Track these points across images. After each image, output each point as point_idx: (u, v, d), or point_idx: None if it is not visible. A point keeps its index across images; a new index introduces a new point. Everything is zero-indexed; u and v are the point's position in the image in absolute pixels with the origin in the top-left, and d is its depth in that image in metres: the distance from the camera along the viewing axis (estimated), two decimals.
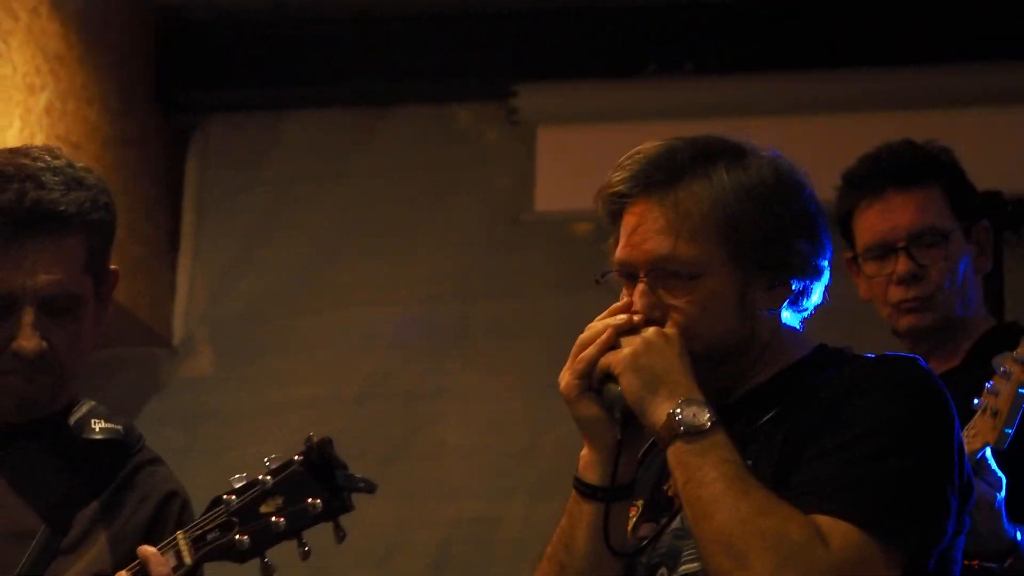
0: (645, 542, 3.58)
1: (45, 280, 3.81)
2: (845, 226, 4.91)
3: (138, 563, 3.60)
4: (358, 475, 3.59)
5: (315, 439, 3.59)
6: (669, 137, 7.07)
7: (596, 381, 3.53)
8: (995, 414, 4.24)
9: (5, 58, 6.85)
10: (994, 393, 4.31)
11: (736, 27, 7.82)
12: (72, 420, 4.00)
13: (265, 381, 7.92)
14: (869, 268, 4.82)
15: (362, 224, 8.09)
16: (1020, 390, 4.32)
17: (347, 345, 7.96)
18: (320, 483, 3.58)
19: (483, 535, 7.65)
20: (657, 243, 3.55)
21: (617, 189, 3.62)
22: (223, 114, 8.25)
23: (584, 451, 3.62)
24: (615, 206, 3.64)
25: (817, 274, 3.67)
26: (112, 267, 3.98)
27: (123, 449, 3.99)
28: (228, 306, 8.09)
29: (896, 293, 4.76)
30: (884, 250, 4.80)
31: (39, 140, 6.92)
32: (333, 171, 8.13)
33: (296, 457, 3.60)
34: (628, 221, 3.62)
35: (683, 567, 3.55)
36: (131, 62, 7.85)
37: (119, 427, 4.00)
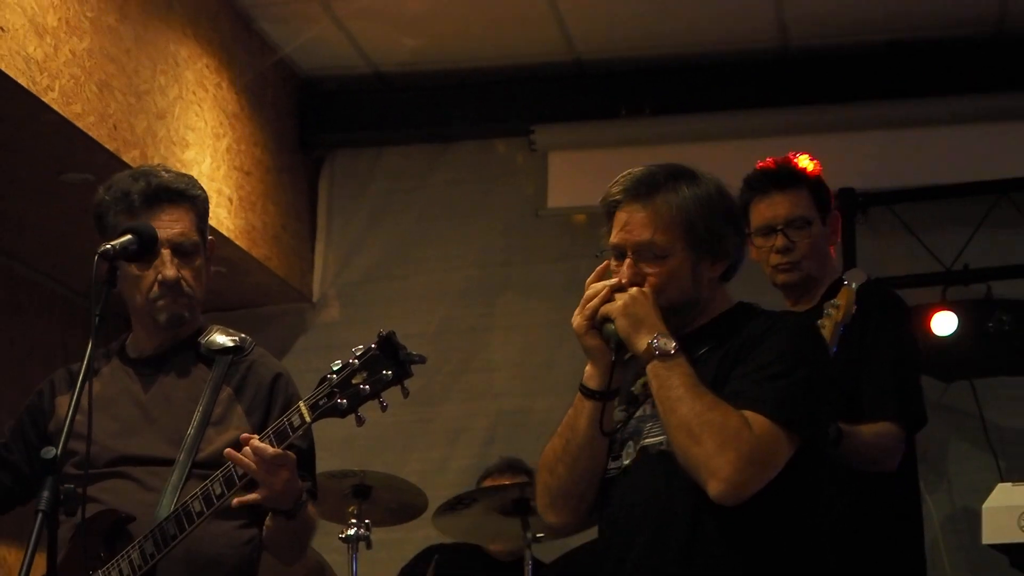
0: (619, 424, 3.65)
1: (174, 232, 3.94)
2: (744, 212, 4.92)
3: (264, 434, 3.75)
4: (414, 353, 3.70)
5: (384, 332, 3.71)
6: (635, 159, 7.24)
7: (597, 322, 3.59)
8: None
9: (200, 116, 6.92)
10: (822, 327, 4.49)
11: (678, 83, 7.82)
12: (205, 338, 4.07)
13: (373, 323, 7.47)
14: (758, 241, 4.89)
15: (435, 220, 8.14)
16: (838, 326, 4.57)
17: (427, 298, 8.04)
18: (390, 360, 3.66)
19: (519, 421, 7.69)
20: (641, 233, 3.60)
21: (615, 197, 3.67)
22: (343, 149, 8.30)
23: (587, 367, 3.67)
24: (612, 207, 3.67)
25: (740, 254, 3.77)
26: (209, 237, 4.10)
27: (242, 351, 4.07)
28: (349, 275, 8.17)
29: (774, 259, 4.86)
30: (768, 230, 4.89)
31: (223, 171, 7.08)
32: (415, 186, 8.20)
33: (373, 345, 3.68)
34: (620, 217, 3.64)
35: (645, 440, 3.61)
36: (282, 117, 7.91)
37: (238, 337, 4.10)
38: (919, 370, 5.13)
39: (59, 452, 3.30)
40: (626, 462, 3.67)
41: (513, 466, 6.53)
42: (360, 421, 3.71)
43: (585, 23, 7.49)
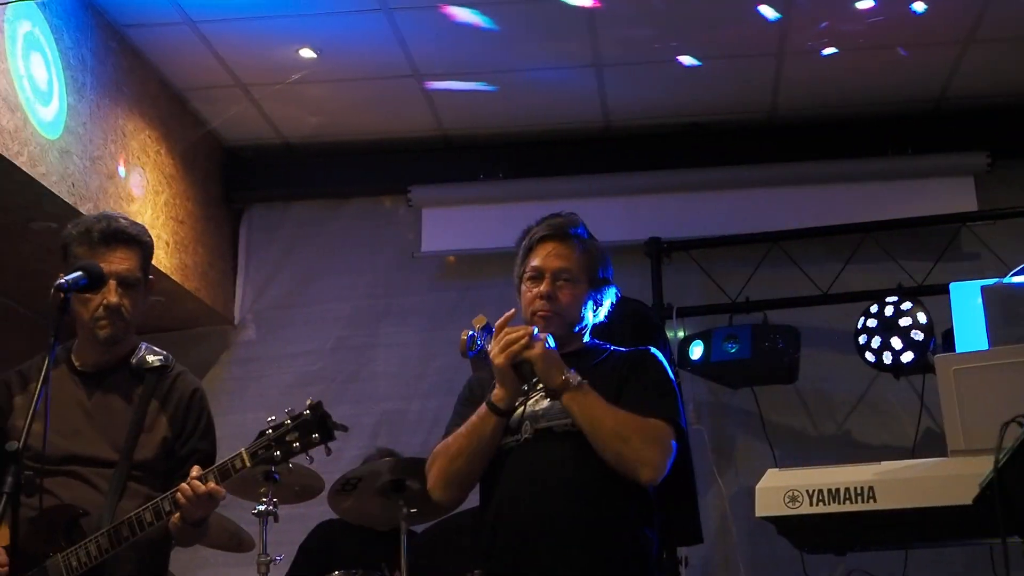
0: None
1: (123, 268, 3.92)
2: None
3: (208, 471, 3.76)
4: (338, 422, 3.74)
5: (314, 401, 3.73)
6: (491, 214, 7.29)
7: (516, 362, 3.70)
8: None
9: (143, 176, 6.85)
10: None
11: (525, 154, 7.84)
12: (136, 357, 4.04)
13: (283, 342, 7.94)
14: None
15: (331, 260, 8.07)
16: None
17: (324, 321, 7.97)
18: (317, 424, 3.70)
19: (397, 420, 7.66)
20: (563, 261, 3.80)
21: (542, 233, 3.83)
22: (258, 204, 8.20)
23: (498, 391, 3.74)
24: (539, 240, 3.83)
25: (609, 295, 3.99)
26: (150, 276, 4.07)
27: (167, 369, 4.06)
28: (262, 303, 8.06)
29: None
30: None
31: (161, 220, 7.01)
32: (315, 233, 8.12)
33: (305, 411, 3.72)
34: (546, 248, 3.82)
35: (550, 422, 3.75)
36: (209, 177, 7.83)
37: (163, 355, 4.09)
38: None
39: (21, 447, 3.31)
40: (526, 435, 3.77)
41: (385, 454, 6.48)
42: (288, 468, 3.75)
43: (451, 106, 7.50)
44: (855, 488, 4.09)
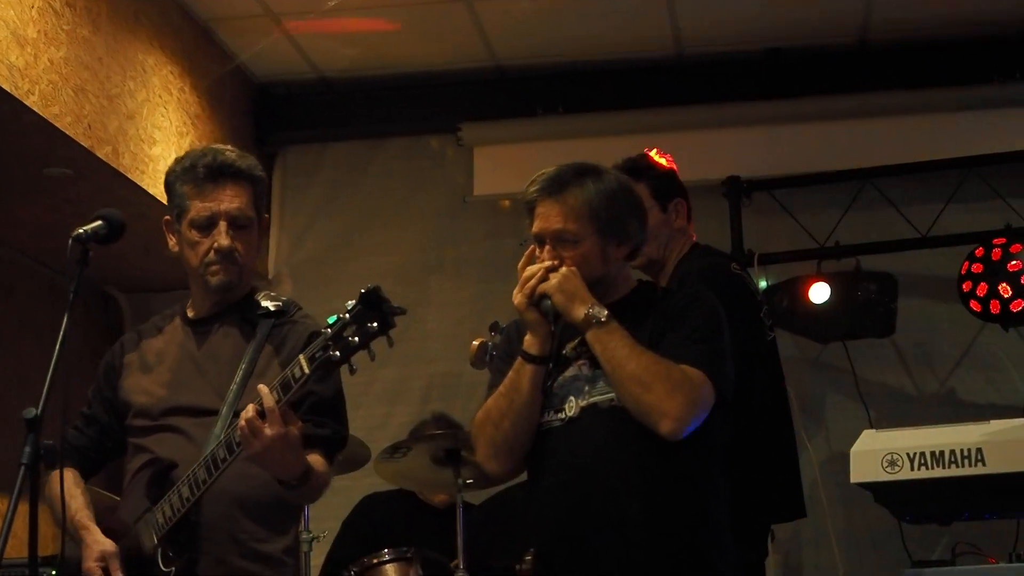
0: (551, 381, 3.79)
1: (232, 206, 3.86)
2: None
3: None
4: (396, 305, 3.54)
5: (370, 287, 3.56)
6: (550, 152, 7.23)
7: (536, 300, 3.73)
8: None
9: (165, 117, 6.88)
10: None
11: (586, 86, 7.81)
12: (251, 302, 3.97)
13: (321, 298, 7.58)
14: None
15: (375, 207, 8.11)
16: None
17: (369, 276, 7.38)
18: (374, 312, 3.51)
19: (450, 383, 7.64)
20: (556, 223, 3.76)
21: (532, 194, 3.80)
22: (293, 146, 8.24)
23: (527, 337, 3.78)
24: (531, 203, 3.80)
25: (642, 237, 3.91)
26: (265, 215, 4.00)
27: (285, 313, 3.96)
28: (299, 256, 8.12)
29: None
30: None
31: None
32: (357, 178, 8.16)
33: (359, 301, 3.54)
34: (539, 211, 3.79)
35: (593, 397, 3.74)
36: (239, 117, 7.86)
37: (282, 300, 3.98)
38: None
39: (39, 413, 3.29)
40: (571, 414, 3.77)
41: (440, 420, 6.50)
42: (352, 369, 3.59)
43: (504, 33, 7.47)
44: (961, 450, 4.10)
